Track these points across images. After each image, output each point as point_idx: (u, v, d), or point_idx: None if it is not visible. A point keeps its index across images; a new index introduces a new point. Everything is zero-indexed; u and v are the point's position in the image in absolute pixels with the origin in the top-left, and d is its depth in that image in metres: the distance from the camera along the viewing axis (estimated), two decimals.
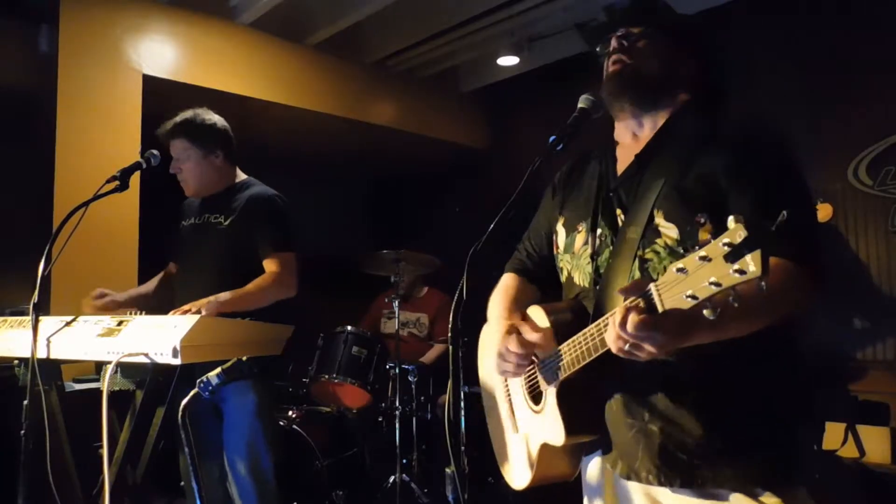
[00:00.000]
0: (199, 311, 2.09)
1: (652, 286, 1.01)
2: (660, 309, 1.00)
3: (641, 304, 1.03)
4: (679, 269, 0.95)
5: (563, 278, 1.50)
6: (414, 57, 4.85)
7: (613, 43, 1.41)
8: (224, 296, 2.25)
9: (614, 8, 1.45)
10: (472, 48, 4.79)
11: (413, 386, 3.73)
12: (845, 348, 3.58)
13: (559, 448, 1.36)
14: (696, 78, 1.40)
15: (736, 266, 0.88)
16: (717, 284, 0.90)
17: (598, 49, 1.45)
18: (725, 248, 0.89)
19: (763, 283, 0.87)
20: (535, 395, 1.42)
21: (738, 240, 0.87)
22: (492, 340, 1.47)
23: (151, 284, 2.76)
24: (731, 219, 0.89)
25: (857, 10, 3.59)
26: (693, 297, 0.94)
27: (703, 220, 1.20)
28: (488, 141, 5.65)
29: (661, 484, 1.25)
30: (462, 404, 2.80)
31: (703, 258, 0.92)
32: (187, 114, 2.55)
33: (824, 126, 3.55)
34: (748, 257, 0.87)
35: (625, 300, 1.07)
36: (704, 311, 0.93)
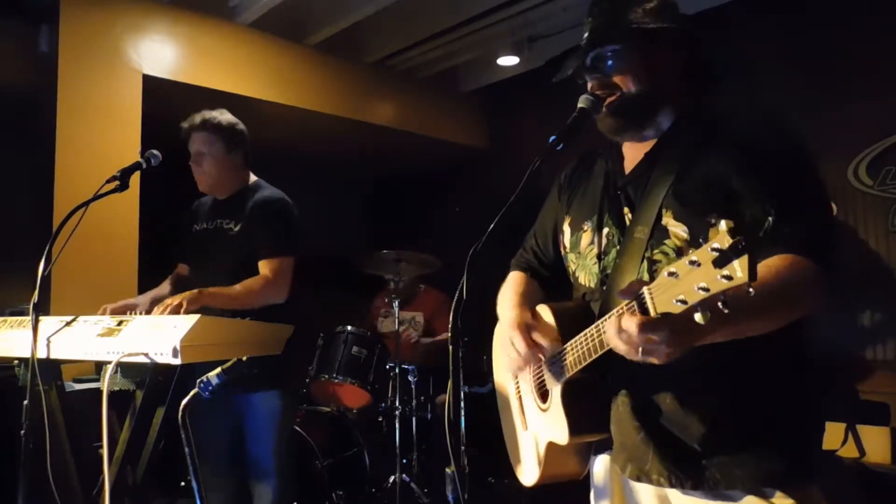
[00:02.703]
0: (180, 305, 2.13)
1: (645, 290, 1.00)
2: (652, 313, 0.99)
3: (635, 308, 1.03)
4: (670, 273, 0.94)
5: (571, 278, 1.50)
6: (414, 57, 4.85)
7: (592, 81, 1.35)
8: (212, 290, 2.29)
9: (585, 40, 1.36)
10: (472, 48, 4.79)
11: (413, 386, 3.73)
12: (845, 348, 3.58)
13: (565, 447, 1.36)
14: (693, 75, 1.37)
15: (724, 272, 0.87)
16: (706, 290, 0.89)
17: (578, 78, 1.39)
18: (714, 253, 0.88)
19: (751, 290, 0.86)
20: (544, 393, 1.42)
21: (726, 245, 0.87)
22: (504, 339, 1.47)
23: (165, 288, 2.74)
24: (721, 223, 0.88)
25: (857, 10, 3.59)
26: (682, 301, 0.93)
27: (713, 221, 1.19)
28: (488, 141, 5.64)
29: (672, 486, 1.25)
30: (462, 404, 2.80)
31: (693, 262, 0.91)
32: (213, 112, 2.61)
33: (824, 126, 3.55)
34: (735, 263, 0.86)
35: (622, 301, 1.06)
36: (695, 316, 0.92)
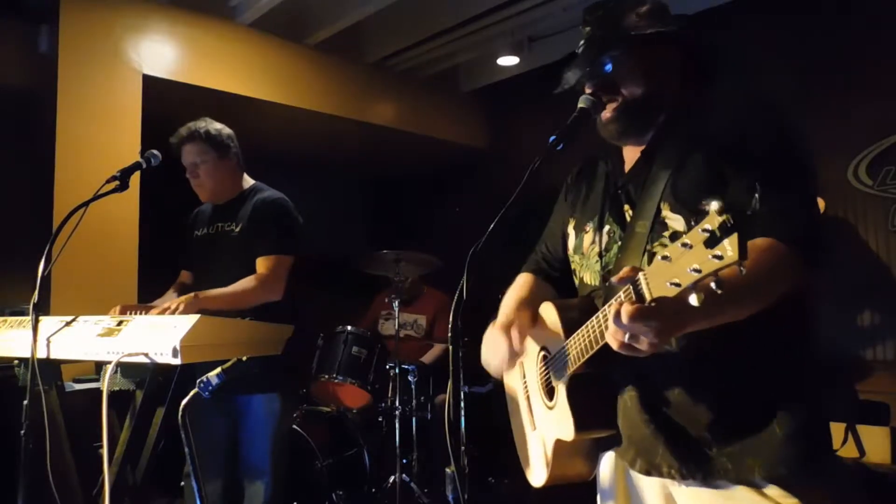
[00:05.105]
0: (177, 310, 2.14)
1: (640, 275, 1.01)
2: (647, 297, 0.99)
3: (632, 295, 1.03)
4: (664, 257, 0.95)
5: (576, 280, 1.51)
6: (414, 57, 4.85)
7: (594, 89, 1.36)
8: (207, 293, 2.31)
9: (583, 47, 1.39)
10: (472, 48, 4.79)
11: (413, 386, 3.73)
12: (846, 348, 3.58)
13: (572, 444, 1.36)
14: (691, 73, 1.39)
15: (715, 251, 0.87)
16: (698, 271, 0.89)
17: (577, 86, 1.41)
18: (705, 234, 0.88)
19: (742, 268, 0.86)
20: (550, 391, 1.42)
21: (716, 224, 0.87)
22: (488, 339, 1.50)
23: (171, 297, 2.71)
24: (712, 203, 0.88)
25: (858, 10, 3.59)
26: (676, 284, 0.93)
27: (706, 204, 1.20)
28: (488, 141, 5.64)
29: (683, 478, 1.24)
30: (462, 404, 2.80)
31: (685, 245, 0.91)
32: (198, 122, 2.63)
33: (824, 126, 3.55)
34: (725, 242, 0.86)
35: (617, 286, 1.07)
36: (690, 298, 0.91)
